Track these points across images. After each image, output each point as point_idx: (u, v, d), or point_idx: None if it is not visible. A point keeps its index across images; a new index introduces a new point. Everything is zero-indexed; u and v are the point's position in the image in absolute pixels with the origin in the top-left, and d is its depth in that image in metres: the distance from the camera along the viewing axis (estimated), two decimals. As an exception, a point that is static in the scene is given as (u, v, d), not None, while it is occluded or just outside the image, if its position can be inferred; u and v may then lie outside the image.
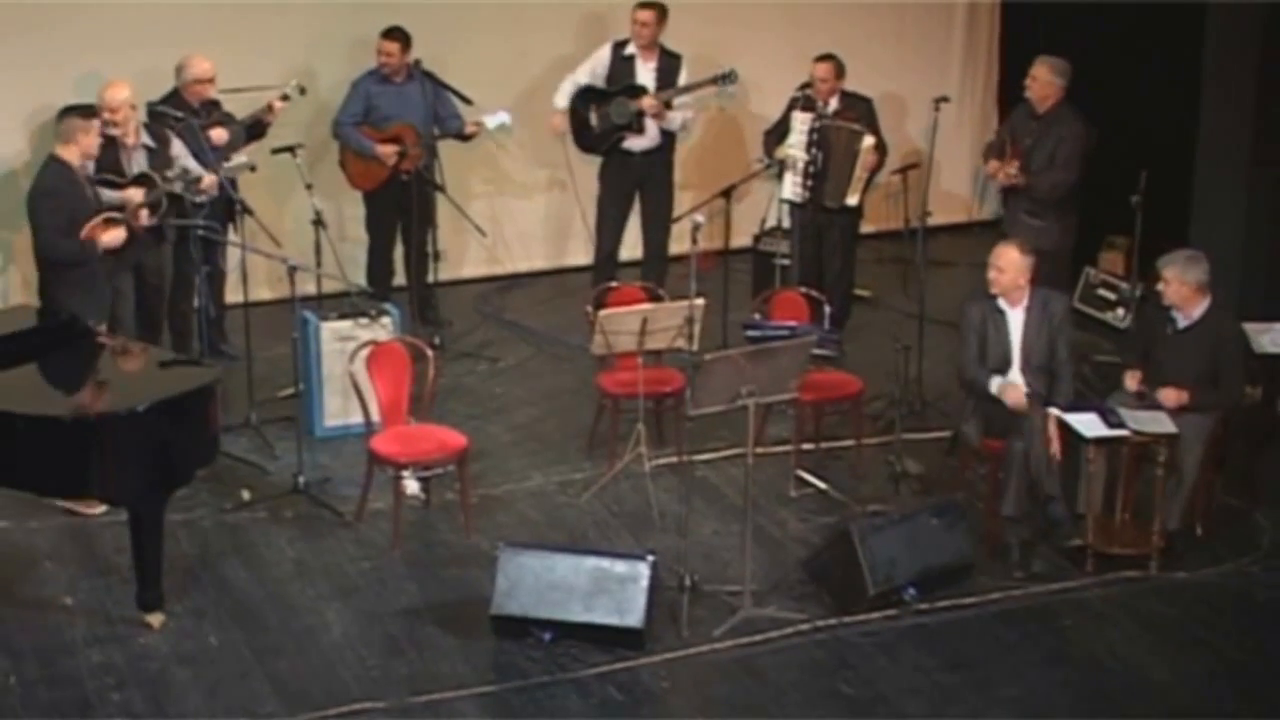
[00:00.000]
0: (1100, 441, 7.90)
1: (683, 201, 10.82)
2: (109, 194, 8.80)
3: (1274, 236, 9.83)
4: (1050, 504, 7.96)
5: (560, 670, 7.15)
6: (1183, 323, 8.17)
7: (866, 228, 10.94)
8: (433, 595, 7.73)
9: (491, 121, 10.41)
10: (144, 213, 8.74)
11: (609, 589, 7.27)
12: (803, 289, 9.47)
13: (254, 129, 9.98)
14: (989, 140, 10.62)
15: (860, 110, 10.16)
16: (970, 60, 12.63)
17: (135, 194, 8.80)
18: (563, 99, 10.61)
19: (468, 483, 8.31)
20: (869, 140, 9.97)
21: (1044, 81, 9.67)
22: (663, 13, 10.44)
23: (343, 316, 9.19)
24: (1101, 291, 10.94)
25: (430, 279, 10.54)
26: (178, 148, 9.19)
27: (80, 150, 8.52)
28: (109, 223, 8.58)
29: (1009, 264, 8.16)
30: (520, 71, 11.17)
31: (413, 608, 7.63)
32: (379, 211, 10.57)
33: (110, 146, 8.87)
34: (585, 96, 10.56)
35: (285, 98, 10.06)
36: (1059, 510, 7.98)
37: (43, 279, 8.75)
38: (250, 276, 9.44)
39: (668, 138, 10.62)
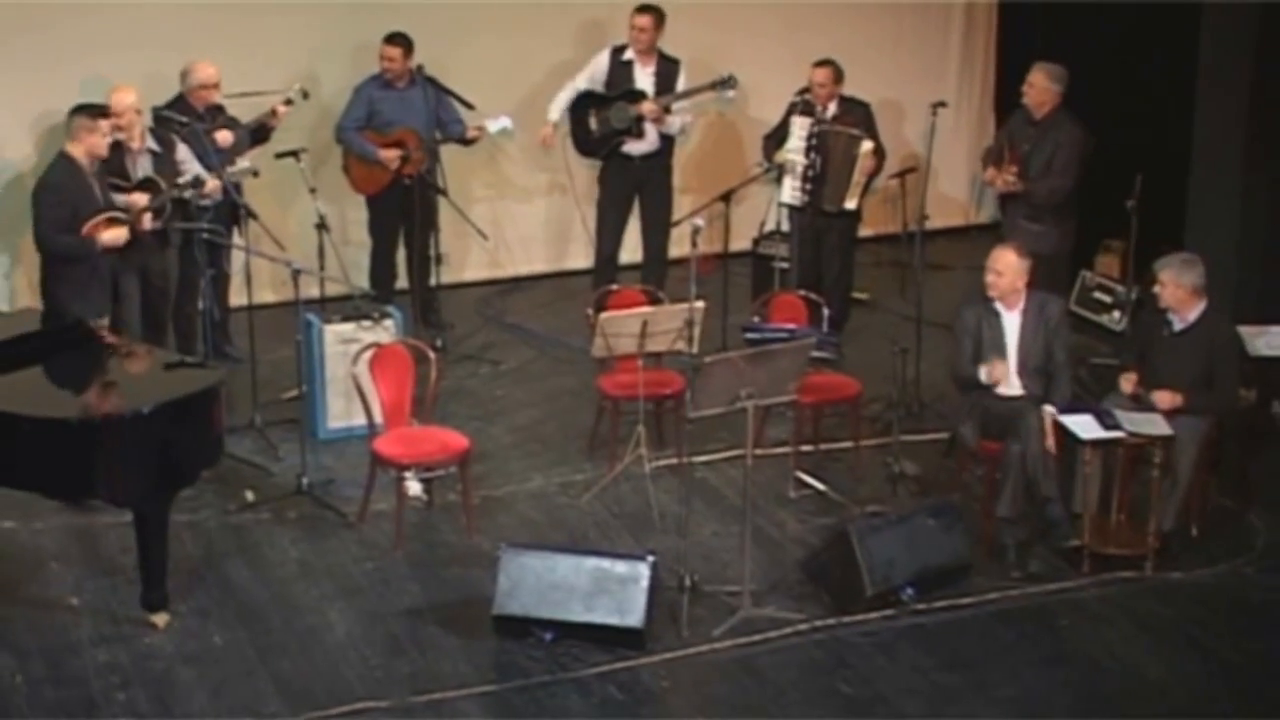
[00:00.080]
0: (1096, 443, 7.91)
1: (682, 205, 10.83)
2: (120, 198, 8.82)
3: (1268, 240, 9.83)
4: (1047, 505, 7.97)
5: (561, 670, 7.15)
6: (1178, 325, 8.17)
7: (865, 231, 10.94)
8: (435, 595, 7.73)
9: (493, 126, 10.41)
10: (147, 216, 8.75)
11: (609, 589, 7.27)
12: (801, 292, 9.48)
13: (258, 133, 9.99)
14: (987, 146, 10.62)
15: (858, 115, 10.16)
16: (967, 65, 12.64)
17: (140, 198, 8.81)
18: (555, 112, 10.64)
19: (469, 484, 8.31)
20: (867, 145, 9.97)
21: (1041, 88, 9.67)
22: (660, 18, 10.45)
23: (346, 319, 9.20)
24: (1097, 294, 10.95)
25: (432, 282, 10.55)
26: (183, 152, 9.20)
27: (85, 149, 8.54)
28: (111, 222, 8.59)
29: (1007, 267, 8.16)
30: (521, 76, 11.16)
31: (415, 608, 7.63)
32: (381, 215, 10.57)
33: (116, 151, 8.87)
34: (585, 101, 10.56)
35: (289, 102, 10.08)
36: (1056, 511, 7.98)
37: (43, 274, 8.80)
38: (254, 279, 9.43)
39: (667, 142, 10.63)
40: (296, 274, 8.61)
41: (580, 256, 11.49)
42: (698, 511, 8.25)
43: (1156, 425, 7.91)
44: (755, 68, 11.26)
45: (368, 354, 8.42)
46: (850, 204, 10.11)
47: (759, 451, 7.98)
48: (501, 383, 10.11)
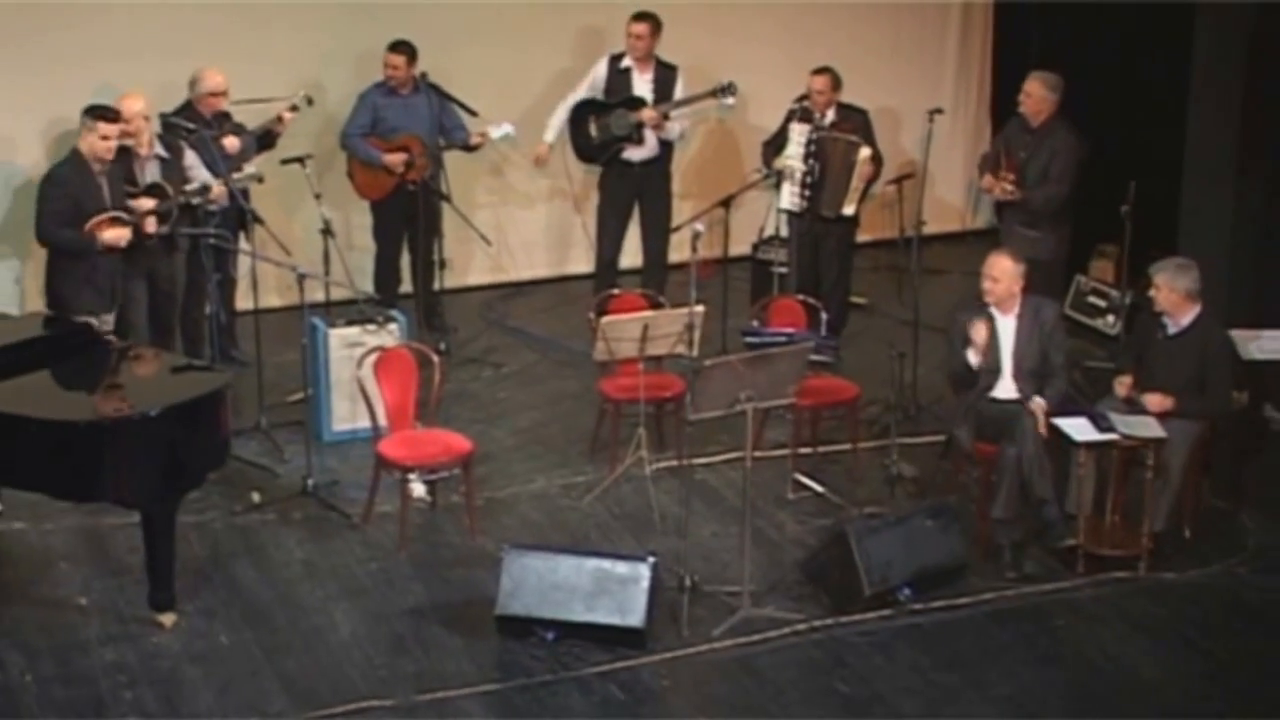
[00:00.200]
0: (1091, 445, 7.91)
1: (682, 211, 10.83)
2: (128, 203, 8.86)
3: (1260, 244, 9.82)
4: (1042, 506, 7.96)
5: (563, 669, 7.15)
6: (1173, 329, 8.18)
7: (862, 236, 10.93)
8: (438, 595, 7.73)
9: (496, 132, 10.42)
10: (151, 220, 8.75)
11: (610, 589, 7.27)
12: (800, 296, 9.48)
13: (264, 139, 10.00)
14: (983, 152, 10.62)
15: (856, 122, 10.16)
16: (963, 73, 12.64)
17: (146, 202, 8.82)
18: (551, 133, 10.67)
19: (473, 485, 8.31)
20: (865, 151, 9.97)
21: (1038, 97, 9.67)
22: (657, 25, 10.45)
23: (350, 323, 9.20)
24: (1092, 299, 10.95)
25: (436, 286, 10.55)
26: (190, 158, 9.20)
27: (88, 148, 8.55)
28: (115, 222, 8.60)
29: (1003, 273, 8.17)
30: (523, 83, 11.17)
31: (419, 608, 7.63)
32: (386, 221, 10.57)
33: (124, 156, 8.89)
34: (585, 108, 10.57)
35: (294, 109, 10.09)
36: (1051, 512, 7.98)
37: (47, 268, 8.84)
38: (260, 284, 9.45)
39: (666, 148, 10.63)
40: (302, 278, 8.61)
41: (581, 261, 11.49)
42: (698, 513, 8.25)
43: (1150, 428, 7.92)
44: (754, 75, 11.27)
45: (372, 357, 8.43)
46: (848, 210, 10.11)
47: (758, 453, 7.98)
48: (504, 386, 10.11)
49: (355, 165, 10.43)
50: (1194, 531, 8.24)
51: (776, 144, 10.27)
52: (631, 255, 10.95)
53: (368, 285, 10.42)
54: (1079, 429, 7.90)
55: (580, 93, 10.63)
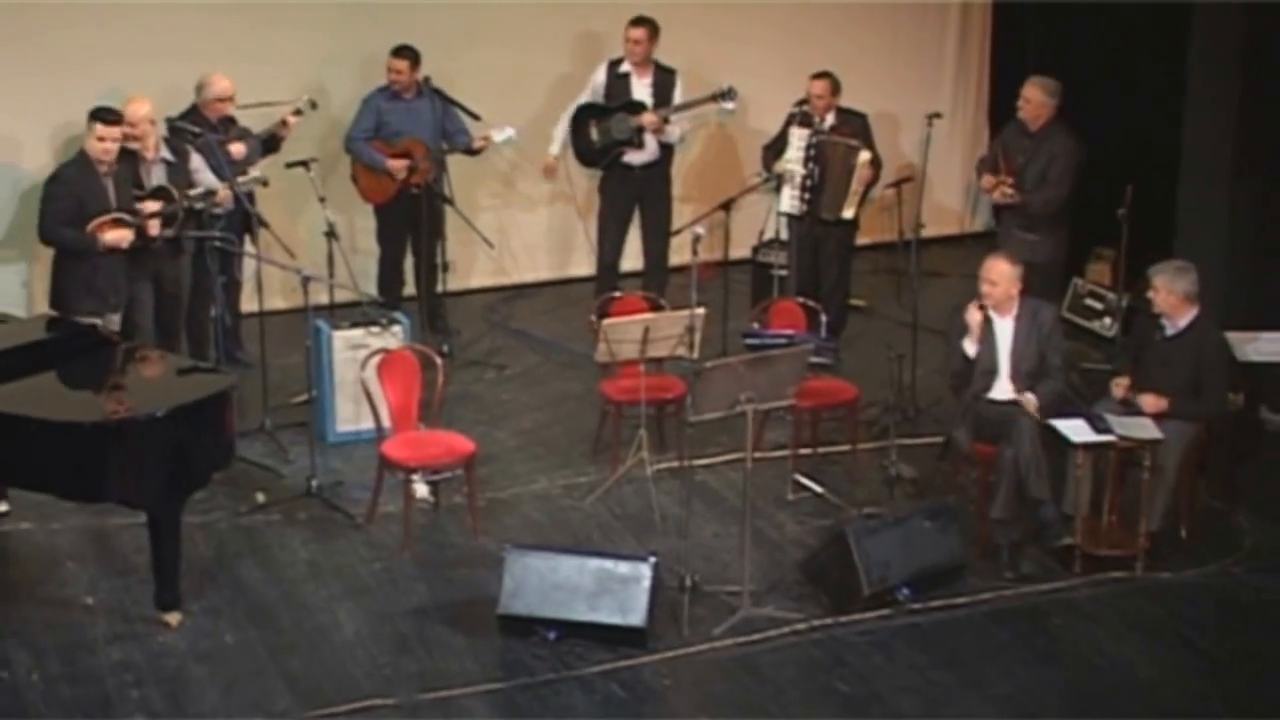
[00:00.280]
0: (1087, 446, 7.92)
1: (683, 214, 10.83)
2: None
3: (1256, 247, 9.83)
4: (1040, 507, 7.97)
5: (565, 668, 7.16)
6: (1170, 331, 8.18)
7: (862, 239, 10.94)
8: (441, 595, 7.74)
9: (499, 136, 10.43)
10: (154, 223, 8.75)
11: (612, 589, 7.28)
12: (800, 299, 9.48)
13: (269, 143, 10.01)
14: (981, 156, 10.63)
15: (856, 126, 10.17)
16: (962, 77, 12.65)
17: (152, 205, 8.83)
18: (556, 145, 10.68)
19: (475, 486, 8.31)
20: (865, 155, 9.98)
21: (1037, 102, 9.68)
22: (654, 30, 10.45)
23: (354, 325, 9.20)
24: (1089, 301, 10.96)
25: (439, 289, 10.55)
26: (196, 162, 9.21)
27: (89, 149, 8.57)
28: (118, 224, 8.61)
29: (1000, 276, 8.17)
30: (526, 88, 11.19)
31: (422, 607, 7.64)
32: (389, 224, 10.58)
33: (131, 159, 8.90)
34: (586, 112, 10.57)
35: (298, 112, 10.10)
36: (1048, 513, 7.99)
37: (53, 267, 8.85)
38: (265, 286, 9.46)
39: (666, 151, 10.64)
40: (306, 281, 8.62)
41: (583, 264, 11.50)
42: (698, 513, 8.25)
43: (1146, 429, 7.92)
44: (754, 79, 11.28)
45: (376, 359, 8.43)
46: (848, 213, 10.12)
47: (758, 455, 7.98)
48: (506, 387, 10.12)
49: (359, 169, 10.44)
50: (1190, 532, 8.24)
51: (776, 148, 10.27)
52: (632, 258, 10.95)
53: (371, 288, 10.42)
54: (1076, 430, 7.91)
55: (582, 101, 10.64)
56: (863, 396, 9.09)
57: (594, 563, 7.35)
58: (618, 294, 9.55)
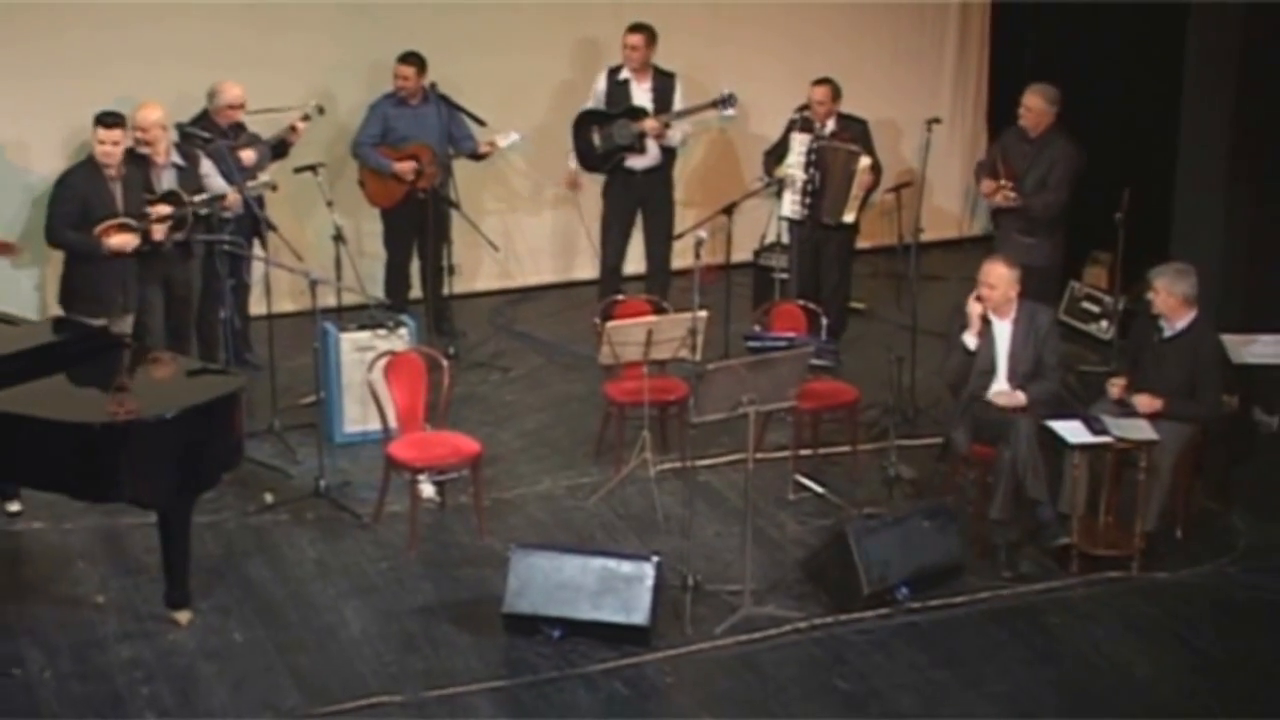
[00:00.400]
0: (1084, 448, 7.92)
1: (685, 218, 10.83)
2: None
3: (1251, 250, 9.83)
4: (1037, 507, 7.97)
5: (569, 666, 7.16)
6: (1168, 332, 8.19)
7: (862, 243, 10.94)
8: (447, 594, 7.75)
9: (504, 141, 10.44)
10: (159, 227, 8.75)
11: (616, 588, 7.28)
12: (801, 302, 9.49)
13: (278, 149, 10.03)
14: (979, 161, 10.63)
15: (856, 131, 10.17)
16: (960, 83, 12.65)
17: (162, 209, 8.85)
18: (574, 159, 10.66)
19: (481, 486, 8.32)
20: (865, 161, 9.98)
21: (1038, 111, 9.68)
22: (652, 36, 10.45)
23: (362, 328, 9.21)
24: (1086, 304, 10.95)
25: (445, 292, 10.55)
26: (206, 166, 9.22)
27: (94, 153, 8.58)
28: (123, 228, 8.62)
29: (999, 279, 8.17)
30: (531, 93, 11.20)
31: (428, 606, 7.65)
32: (396, 228, 10.59)
33: (141, 164, 8.92)
34: (588, 118, 10.57)
35: (306, 118, 10.11)
36: (1045, 513, 7.99)
37: (62, 270, 8.89)
38: (274, 289, 9.45)
39: (668, 156, 10.63)
40: (314, 284, 8.63)
41: (586, 268, 11.50)
42: (700, 513, 8.25)
43: (1142, 430, 7.93)
44: (755, 85, 11.28)
45: (383, 361, 8.44)
46: (848, 217, 10.12)
47: (760, 455, 7.98)
48: (511, 389, 10.12)
49: (366, 174, 10.45)
50: (1186, 532, 8.24)
51: (777, 153, 10.28)
52: (635, 262, 10.96)
53: (378, 291, 10.44)
54: (1073, 431, 7.91)
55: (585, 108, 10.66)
56: (863, 398, 9.09)
57: (598, 562, 7.35)
58: (621, 297, 9.55)
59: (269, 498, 8.57)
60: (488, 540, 8.16)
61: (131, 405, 7.34)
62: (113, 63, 10.04)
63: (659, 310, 9.17)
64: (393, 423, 8.31)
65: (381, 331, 9.14)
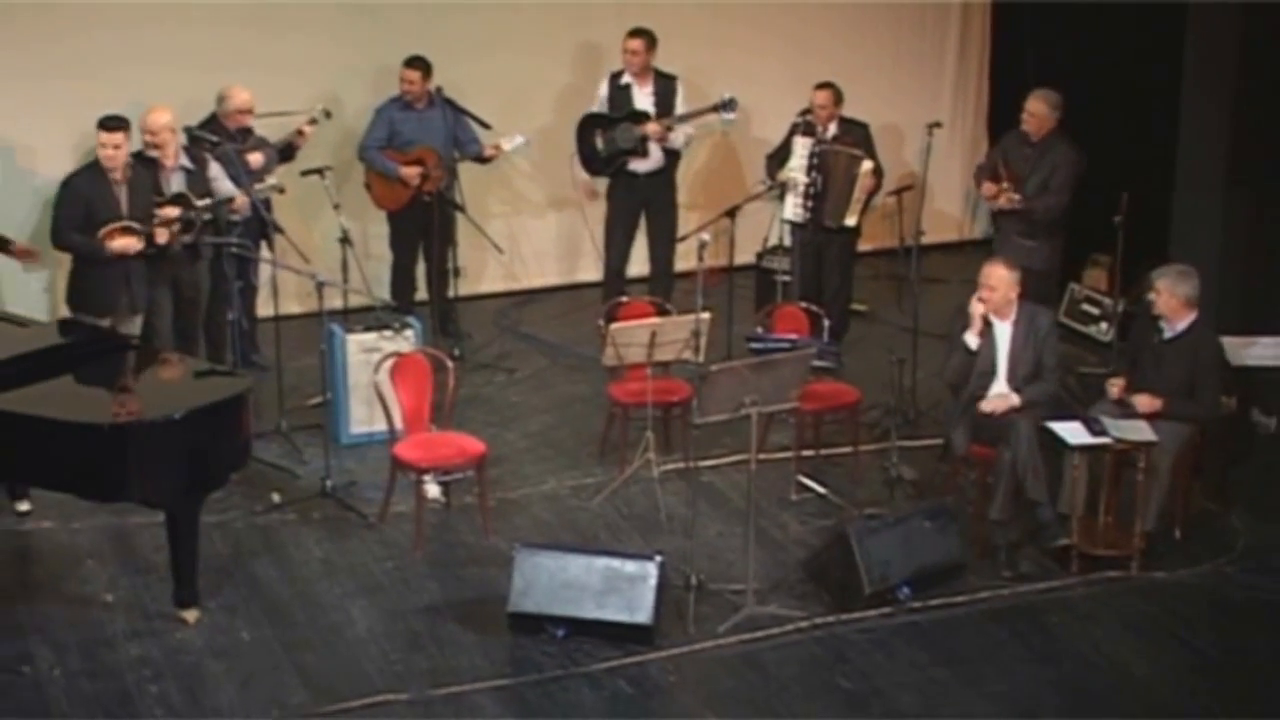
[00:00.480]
0: (1084, 449, 7.92)
1: (689, 221, 10.84)
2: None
3: (1249, 253, 9.83)
4: (1037, 508, 7.97)
5: (573, 664, 7.17)
6: (1168, 333, 8.19)
7: (863, 246, 10.95)
8: (452, 593, 7.75)
9: (509, 144, 10.44)
10: (162, 231, 8.75)
11: (619, 588, 7.28)
12: (803, 304, 9.49)
13: (285, 152, 10.04)
14: (979, 164, 10.63)
15: (858, 135, 10.17)
16: (961, 88, 12.65)
17: (171, 211, 8.86)
18: (578, 165, 10.66)
19: (486, 487, 8.32)
20: (867, 165, 9.99)
21: (1041, 116, 9.69)
22: (652, 40, 10.46)
23: (368, 329, 9.21)
24: (1085, 306, 10.95)
25: (450, 294, 10.56)
26: (214, 170, 9.23)
27: (98, 156, 8.60)
28: (127, 231, 8.63)
29: (999, 281, 8.18)
30: (536, 97, 11.21)
31: (433, 605, 7.65)
32: (402, 230, 10.59)
33: (151, 167, 8.93)
34: (591, 122, 10.58)
35: (313, 122, 10.12)
36: (1045, 514, 7.99)
37: (70, 271, 8.89)
38: (281, 291, 9.48)
39: (671, 159, 10.63)
40: (321, 286, 8.64)
41: (590, 270, 11.50)
42: (703, 513, 8.26)
43: (1141, 431, 7.93)
44: (758, 89, 11.29)
45: (389, 362, 8.45)
46: (850, 220, 10.12)
47: (762, 456, 7.98)
48: (516, 390, 10.12)
49: (373, 177, 10.45)
50: (1184, 532, 8.24)
51: (780, 157, 10.29)
52: (639, 264, 10.96)
53: (385, 293, 10.44)
54: (1072, 433, 7.91)
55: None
56: (864, 399, 9.10)
57: (602, 562, 7.35)
58: (625, 299, 9.55)
59: (276, 498, 8.58)
60: (493, 540, 8.17)
61: (139, 406, 7.35)
62: (123, 66, 10.06)
63: (662, 312, 9.17)
64: (398, 423, 8.32)
65: (387, 333, 9.15)
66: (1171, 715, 6.91)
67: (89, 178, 8.69)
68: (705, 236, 8.47)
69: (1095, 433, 7.90)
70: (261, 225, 9.48)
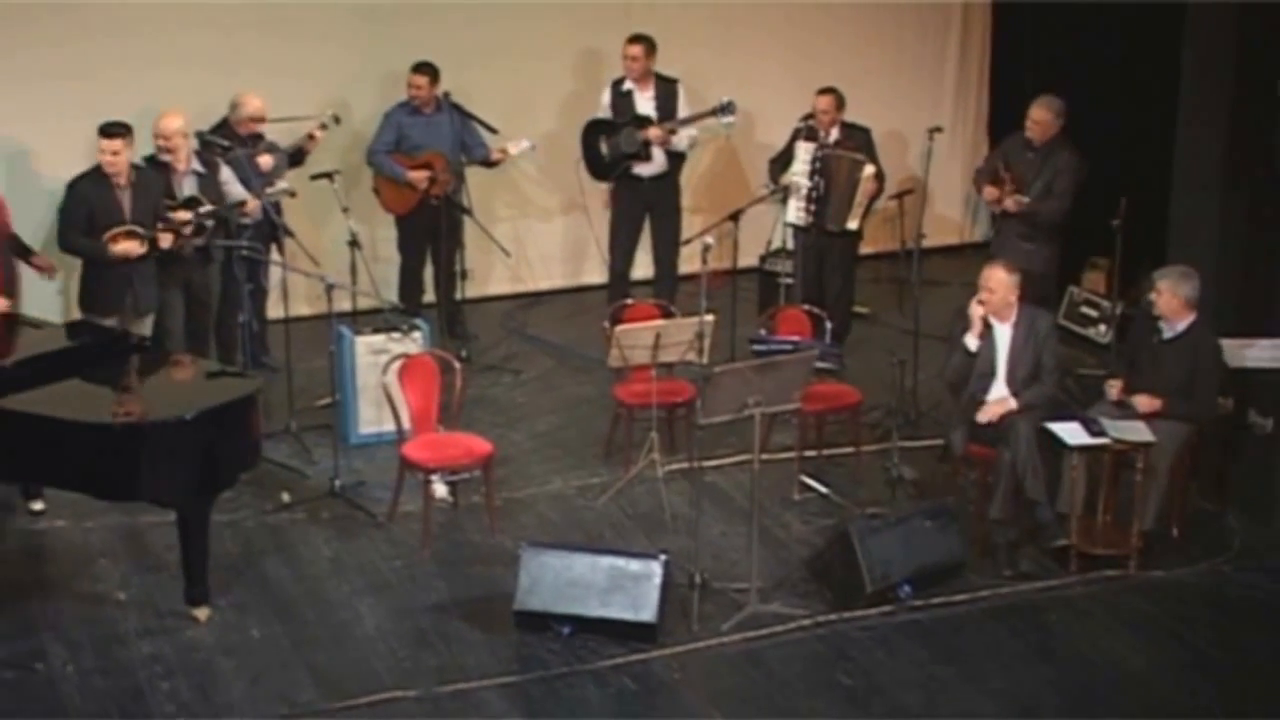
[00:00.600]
0: (1082, 449, 7.92)
1: (692, 224, 10.83)
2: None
3: (1246, 256, 9.81)
4: (1037, 508, 7.97)
5: (578, 662, 7.17)
6: (1168, 333, 8.19)
7: (865, 249, 10.95)
8: (460, 591, 7.75)
9: (515, 149, 10.45)
10: (166, 237, 8.76)
11: (624, 586, 7.28)
12: (805, 306, 9.49)
13: (295, 157, 10.04)
14: (978, 168, 10.63)
15: (859, 140, 10.18)
16: (961, 93, 12.65)
17: (183, 215, 8.87)
18: (584, 169, 10.67)
19: (493, 486, 8.32)
20: (870, 169, 9.99)
21: (1045, 122, 9.70)
22: (651, 46, 10.46)
23: (376, 331, 9.22)
24: (1084, 309, 10.95)
25: (458, 296, 10.57)
26: (225, 174, 9.25)
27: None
28: (130, 236, 8.63)
29: (998, 284, 8.17)
30: (542, 102, 11.22)
31: (441, 603, 7.65)
32: (410, 233, 10.60)
33: (163, 171, 8.95)
34: (595, 128, 10.59)
35: (323, 127, 10.13)
36: (1045, 513, 7.99)
37: (80, 273, 8.92)
38: (291, 294, 9.47)
39: (675, 162, 10.63)
40: (330, 288, 8.65)
41: (596, 273, 11.51)
42: (707, 513, 8.26)
43: (1139, 432, 7.92)
44: (761, 94, 11.30)
45: (397, 364, 8.45)
46: (852, 224, 10.12)
47: (765, 456, 7.97)
48: (523, 391, 10.13)
49: (381, 181, 10.46)
50: (1182, 531, 8.24)
51: (783, 161, 10.29)
52: (643, 267, 10.96)
53: (393, 295, 10.44)
54: (1071, 433, 7.91)
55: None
56: (866, 400, 9.10)
57: (607, 560, 7.36)
58: (629, 301, 9.56)
59: (286, 497, 8.59)
60: (499, 539, 8.17)
61: (151, 407, 7.35)
62: (135, 71, 10.07)
63: (667, 314, 9.17)
64: (406, 424, 8.32)
65: (396, 335, 9.15)
66: (1169, 711, 6.91)
67: (92, 182, 8.70)
68: (709, 240, 8.47)
69: (1094, 433, 7.90)
70: (272, 228, 9.49)
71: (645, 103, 10.52)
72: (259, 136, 9.78)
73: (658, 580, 7.27)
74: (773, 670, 7.16)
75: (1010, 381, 8.17)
